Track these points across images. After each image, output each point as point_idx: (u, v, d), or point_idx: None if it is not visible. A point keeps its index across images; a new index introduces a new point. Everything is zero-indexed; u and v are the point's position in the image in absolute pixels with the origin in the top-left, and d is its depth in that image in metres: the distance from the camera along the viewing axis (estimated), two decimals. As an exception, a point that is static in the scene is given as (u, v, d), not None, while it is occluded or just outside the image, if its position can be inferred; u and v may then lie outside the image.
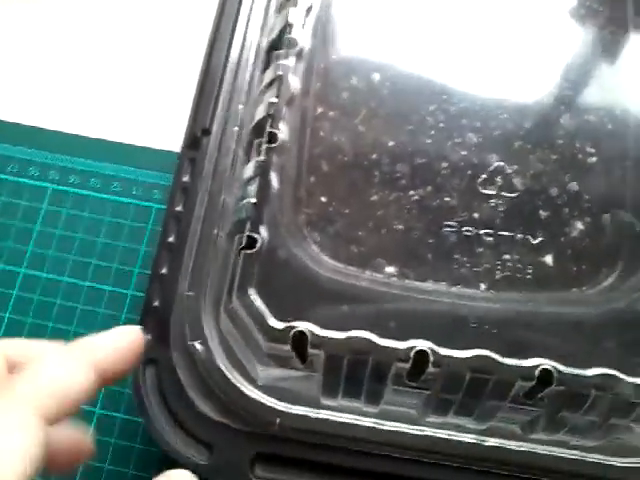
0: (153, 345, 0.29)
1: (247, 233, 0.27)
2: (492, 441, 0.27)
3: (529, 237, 0.28)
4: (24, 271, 0.36)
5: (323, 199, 0.29)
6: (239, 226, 0.28)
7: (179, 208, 0.31)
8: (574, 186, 0.29)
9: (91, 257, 0.36)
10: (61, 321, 0.35)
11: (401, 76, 0.31)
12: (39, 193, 0.37)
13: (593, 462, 0.27)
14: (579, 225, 0.29)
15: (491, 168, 0.29)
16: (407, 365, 0.25)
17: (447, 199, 0.29)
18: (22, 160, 0.38)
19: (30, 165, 0.38)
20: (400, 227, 0.29)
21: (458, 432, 0.27)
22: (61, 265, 0.36)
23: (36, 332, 0.35)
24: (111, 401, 0.33)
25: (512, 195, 0.29)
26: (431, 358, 0.25)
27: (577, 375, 0.25)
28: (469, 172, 0.29)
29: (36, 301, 0.35)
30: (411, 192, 0.29)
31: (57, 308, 0.35)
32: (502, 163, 0.29)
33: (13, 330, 0.35)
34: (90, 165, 0.38)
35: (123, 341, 0.23)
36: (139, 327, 0.24)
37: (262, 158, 0.29)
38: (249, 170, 0.29)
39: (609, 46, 0.33)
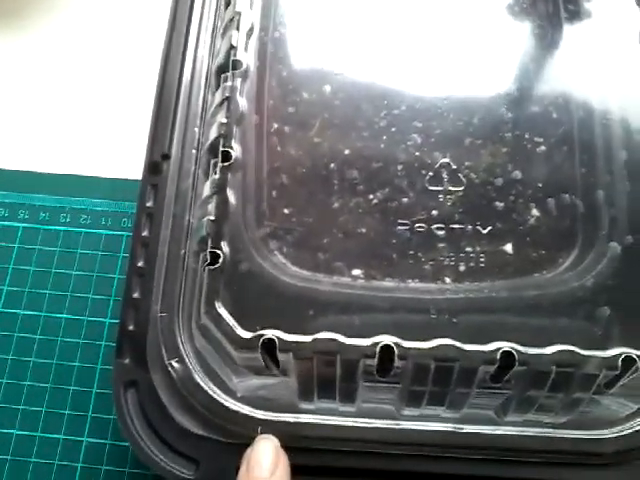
0: (132, 368, 0.29)
1: (209, 249, 0.28)
2: (468, 428, 0.28)
3: (485, 228, 0.29)
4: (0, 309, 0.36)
5: (286, 211, 0.30)
6: (202, 244, 0.29)
7: (145, 233, 0.31)
8: (518, 175, 0.30)
9: (66, 290, 0.37)
10: (42, 355, 0.35)
11: (350, 86, 0.32)
12: (10, 233, 0.38)
13: (566, 438, 0.28)
14: (533, 212, 0.30)
15: (437, 165, 0.30)
16: (374, 361, 0.26)
17: (404, 199, 0.30)
18: (-9, 203, 0.39)
19: (-1, 207, 0.39)
20: (362, 230, 0.29)
21: (435, 422, 0.28)
22: (38, 300, 0.36)
23: (16, 368, 0.35)
24: (98, 428, 0.34)
25: (460, 189, 0.30)
26: (396, 351, 0.26)
27: (536, 354, 0.26)
28: (422, 171, 0.30)
29: (16, 338, 0.36)
30: (370, 196, 0.30)
31: (37, 342, 0.36)
32: (447, 159, 0.30)
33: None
34: (58, 201, 0.39)
35: None
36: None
37: (217, 176, 0.29)
38: (207, 189, 0.30)
39: (545, 39, 0.34)
